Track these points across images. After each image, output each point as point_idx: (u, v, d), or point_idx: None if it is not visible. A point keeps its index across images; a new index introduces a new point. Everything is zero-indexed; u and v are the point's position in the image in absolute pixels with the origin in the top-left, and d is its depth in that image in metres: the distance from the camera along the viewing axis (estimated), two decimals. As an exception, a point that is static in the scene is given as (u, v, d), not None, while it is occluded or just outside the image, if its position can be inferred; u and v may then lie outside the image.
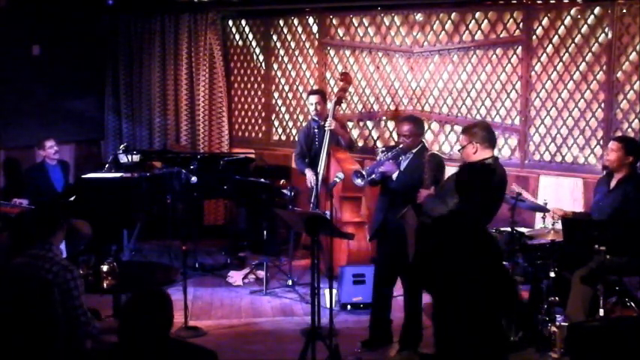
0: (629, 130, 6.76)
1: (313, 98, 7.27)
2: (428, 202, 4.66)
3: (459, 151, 4.84)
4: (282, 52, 8.68)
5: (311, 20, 8.43)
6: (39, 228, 4.21)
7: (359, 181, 5.38)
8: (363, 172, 5.35)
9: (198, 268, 7.49)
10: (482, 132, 4.68)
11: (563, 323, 5.12)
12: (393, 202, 5.22)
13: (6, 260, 4.38)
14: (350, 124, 8.15)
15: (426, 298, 5.34)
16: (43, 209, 4.58)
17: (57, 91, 8.65)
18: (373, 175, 5.28)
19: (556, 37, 7.06)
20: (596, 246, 5.04)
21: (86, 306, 4.12)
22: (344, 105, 7.92)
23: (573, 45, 6.99)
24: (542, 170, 7.24)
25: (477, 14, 7.44)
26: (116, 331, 4.20)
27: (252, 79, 8.97)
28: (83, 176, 7.48)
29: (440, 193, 4.70)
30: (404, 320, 5.40)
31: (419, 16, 7.75)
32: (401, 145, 5.23)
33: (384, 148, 5.56)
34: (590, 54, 6.93)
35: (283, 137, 8.83)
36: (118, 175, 7.44)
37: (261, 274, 7.04)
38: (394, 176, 5.19)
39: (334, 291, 5.82)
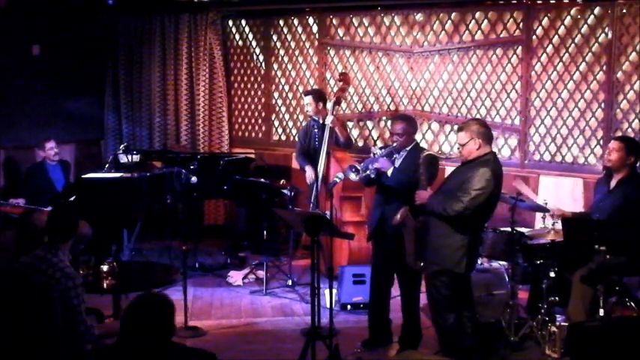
0: (629, 130, 6.76)
1: (306, 99, 7.32)
2: (435, 202, 4.65)
3: (458, 149, 4.81)
4: (282, 52, 8.67)
5: (311, 20, 8.43)
6: (54, 231, 4.14)
7: (353, 176, 5.36)
8: (359, 167, 5.35)
9: (198, 268, 7.48)
10: (482, 128, 4.72)
11: (563, 323, 5.12)
12: (389, 200, 5.23)
13: (11, 259, 4.37)
14: (350, 124, 8.15)
15: (424, 299, 5.33)
16: (61, 213, 4.48)
17: (57, 91, 8.64)
18: (368, 171, 5.28)
19: (556, 37, 7.06)
20: (597, 246, 5.04)
21: (85, 314, 4.04)
22: (344, 105, 7.92)
23: (573, 45, 6.99)
24: (542, 170, 7.24)
25: (477, 14, 7.44)
26: (115, 334, 4.20)
27: (252, 79, 8.96)
28: (83, 176, 7.47)
29: (446, 190, 4.69)
30: (402, 320, 5.40)
31: (419, 16, 7.75)
32: (394, 144, 5.24)
33: (378, 146, 5.55)
34: (590, 54, 6.93)
35: (283, 137, 8.83)
36: (118, 175, 7.43)
37: (261, 274, 7.04)
38: (389, 173, 5.19)
39: (334, 291, 5.81)
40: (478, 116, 7.48)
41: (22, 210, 6.70)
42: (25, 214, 5.99)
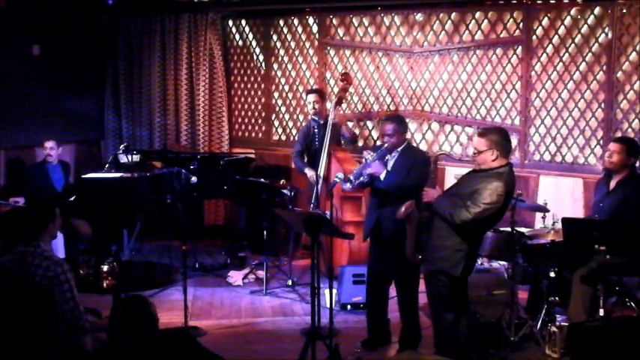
0: (629, 130, 6.76)
1: (311, 97, 7.30)
2: (443, 204, 4.58)
3: (473, 154, 4.67)
4: (282, 52, 8.67)
5: (311, 20, 8.43)
6: (25, 226, 4.22)
7: (348, 186, 5.38)
8: (350, 177, 5.33)
9: (198, 268, 7.49)
10: (503, 140, 4.56)
11: (563, 323, 5.12)
12: (384, 201, 5.20)
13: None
14: (350, 124, 8.15)
15: (423, 299, 5.33)
16: (32, 208, 4.56)
17: (57, 91, 8.64)
18: (361, 178, 5.28)
19: (556, 37, 7.07)
20: (596, 246, 5.04)
21: (79, 300, 4.12)
22: (344, 105, 7.92)
23: (573, 45, 6.99)
24: (542, 170, 7.25)
25: (477, 14, 7.44)
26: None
27: (252, 79, 8.97)
28: (83, 176, 7.48)
29: (455, 195, 4.61)
30: (402, 321, 5.39)
31: (419, 16, 7.75)
32: (386, 145, 5.22)
33: (369, 150, 5.54)
34: (590, 54, 6.93)
35: (283, 137, 8.83)
36: (118, 175, 7.44)
37: (261, 274, 7.04)
38: (382, 176, 5.18)
39: (334, 291, 5.81)
40: (478, 116, 7.49)
41: (10, 208, 6.68)
42: (10, 211, 5.96)
